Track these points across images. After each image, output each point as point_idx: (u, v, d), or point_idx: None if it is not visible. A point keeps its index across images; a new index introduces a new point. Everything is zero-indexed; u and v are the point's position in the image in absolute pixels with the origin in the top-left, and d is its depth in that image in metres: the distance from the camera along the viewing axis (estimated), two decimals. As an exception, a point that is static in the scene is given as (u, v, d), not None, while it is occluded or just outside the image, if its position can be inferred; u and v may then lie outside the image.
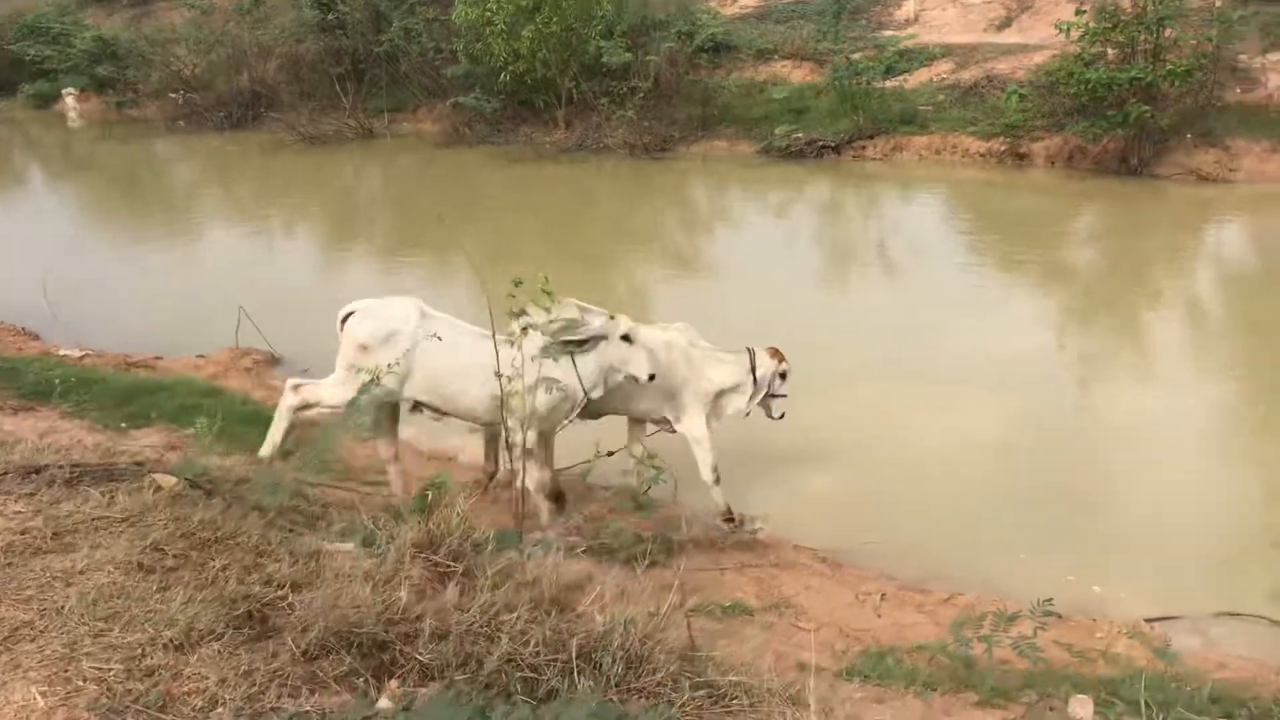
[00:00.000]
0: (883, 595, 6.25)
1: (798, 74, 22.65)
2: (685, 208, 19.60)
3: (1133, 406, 9.27)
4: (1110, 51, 17.97)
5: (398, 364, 6.22)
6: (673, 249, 16.64)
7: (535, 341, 6.28)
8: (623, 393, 6.94)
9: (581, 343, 6.47)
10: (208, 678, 2.90)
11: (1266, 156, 17.45)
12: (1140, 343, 11.43)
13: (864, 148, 20.19)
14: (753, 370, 7.15)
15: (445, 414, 6.85)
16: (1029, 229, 16.04)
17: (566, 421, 6.80)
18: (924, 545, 6.99)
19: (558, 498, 7.10)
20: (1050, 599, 4.58)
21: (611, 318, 6.69)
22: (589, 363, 6.56)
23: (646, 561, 6.00)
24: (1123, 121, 17.29)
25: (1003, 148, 19.05)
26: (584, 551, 6.13)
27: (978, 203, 17.78)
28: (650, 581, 5.88)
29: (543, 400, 6.34)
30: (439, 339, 6.45)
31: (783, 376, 7.23)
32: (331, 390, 6.75)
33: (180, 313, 12.73)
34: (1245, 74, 18.57)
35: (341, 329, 6.75)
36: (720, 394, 7.23)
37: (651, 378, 6.57)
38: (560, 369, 6.45)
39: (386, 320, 6.57)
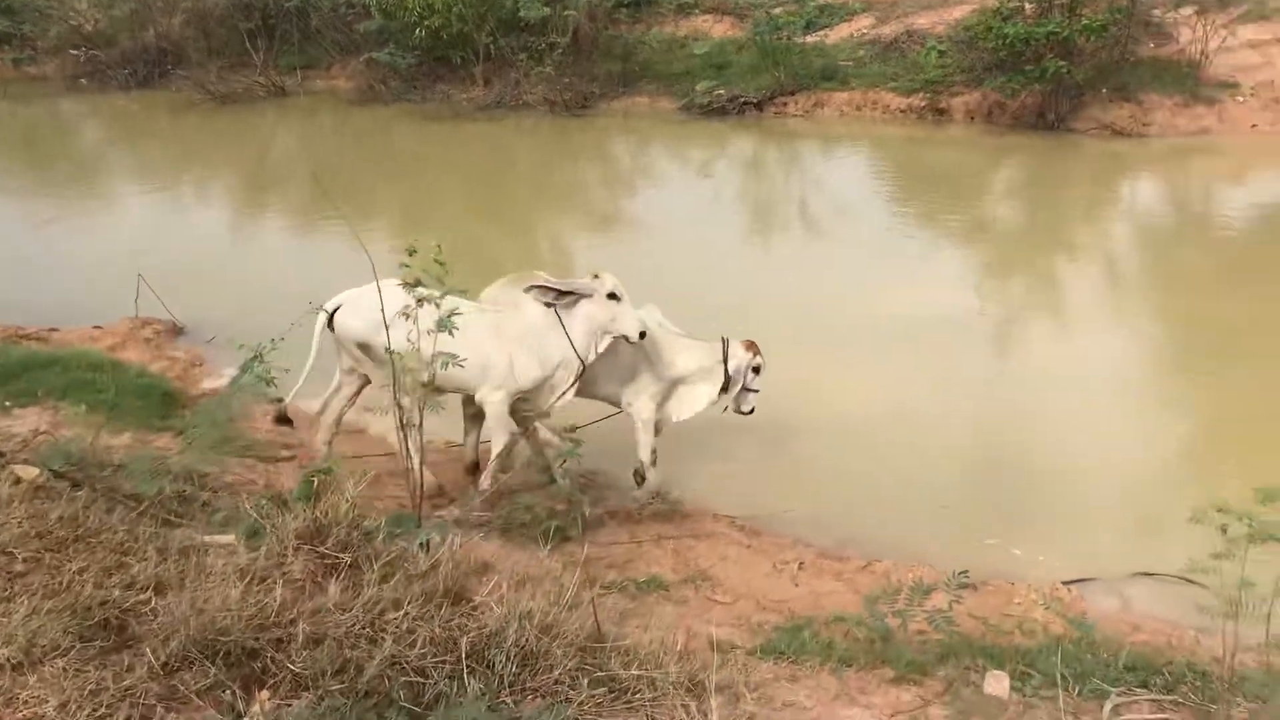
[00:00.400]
0: (800, 564, 6.13)
1: (719, 29, 22.37)
2: (607, 165, 19.30)
3: (1052, 365, 9.26)
4: (1028, 6, 17.98)
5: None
6: (596, 208, 16.35)
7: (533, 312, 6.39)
8: (587, 374, 6.60)
9: (563, 294, 6.33)
10: (47, 701, 2.63)
11: (1178, 111, 17.64)
12: (1059, 301, 11.45)
13: (785, 104, 20.02)
14: (724, 361, 6.88)
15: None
16: (950, 185, 16.02)
17: (564, 392, 6.53)
18: (843, 511, 6.89)
19: (474, 468, 6.87)
20: (965, 571, 4.49)
21: (595, 276, 6.46)
22: (577, 326, 6.37)
23: (555, 539, 5.85)
24: (1040, 76, 17.32)
25: (923, 103, 19.01)
26: (491, 531, 5.94)
27: (899, 159, 17.73)
28: (561, 560, 5.72)
29: (524, 368, 6.31)
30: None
31: (755, 371, 6.88)
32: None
33: (80, 282, 12.16)
34: (1158, 28, 18.74)
35: (330, 328, 6.47)
36: (682, 380, 6.95)
37: (642, 335, 6.40)
38: (554, 336, 6.35)
39: (376, 309, 6.26)
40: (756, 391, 6.92)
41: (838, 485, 7.26)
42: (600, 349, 6.47)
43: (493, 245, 14.61)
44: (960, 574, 4.44)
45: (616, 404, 7.06)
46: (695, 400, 6.97)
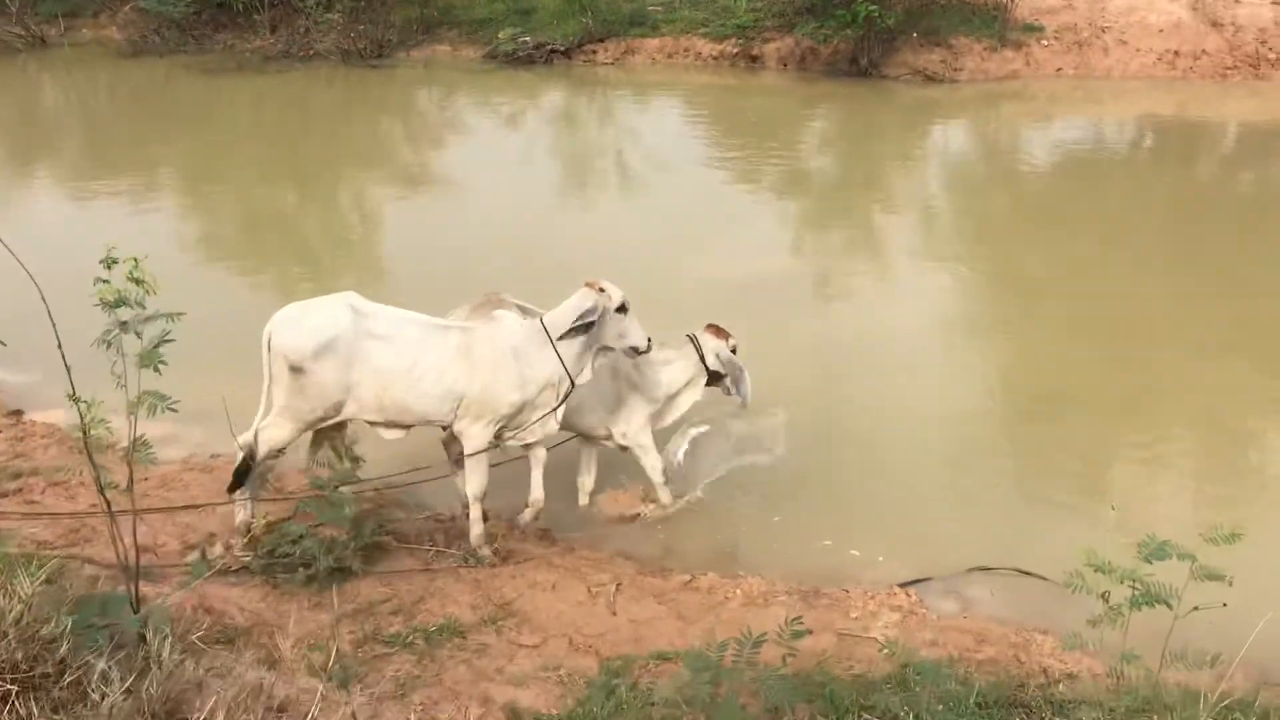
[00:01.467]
0: (618, 585, 5.45)
1: (522, -28, 21.27)
2: (411, 119, 18.09)
3: (875, 329, 8.86)
4: (836, -52, 17.62)
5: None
6: (399, 165, 15.21)
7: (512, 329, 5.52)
8: (571, 403, 5.76)
9: (587, 326, 5.50)
10: None
11: (987, 55, 17.67)
12: (879, 256, 11.13)
13: (595, 51, 19.18)
14: (701, 360, 6.17)
15: (397, 427, 5.56)
16: (766, 135, 15.57)
17: (547, 415, 5.65)
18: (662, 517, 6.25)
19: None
20: (799, 618, 3.89)
21: (589, 285, 5.65)
22: (572, 344, 5.53)
23: (331, 580, 5.04)
24: (851, 21, 16.98)
25: (735, 50, 18.50)
26: (256, 575, 5.06)
27: (714, 108, 17.19)
28: (339, 607, 4.89)
29: (502, 392, 5.43)
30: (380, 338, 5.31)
31: (734, 351, 6.27)
32: (273, 431, 5.39)
33: None
34: (965, -29, 18.71)
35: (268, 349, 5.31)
36: (673, 396, 6.26)
37: (649, 347, 5.76)
38: (539, 352, 5.49)
39: (315, 330, 5.20)
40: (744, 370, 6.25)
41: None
42: (596, 366, 5.73)
43: (294, 212, 13.38)
44: (794, 621, 3.83)
45: (596, 435, 6.22)
46: (680, 409, 6.31)
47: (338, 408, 5.35)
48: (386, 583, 5.27)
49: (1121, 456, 7.05)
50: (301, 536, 5.17)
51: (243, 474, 5.43)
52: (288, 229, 12.66)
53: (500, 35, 19.18)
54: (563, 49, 19.05)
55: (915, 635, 5.00)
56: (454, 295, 9.41)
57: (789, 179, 13.55)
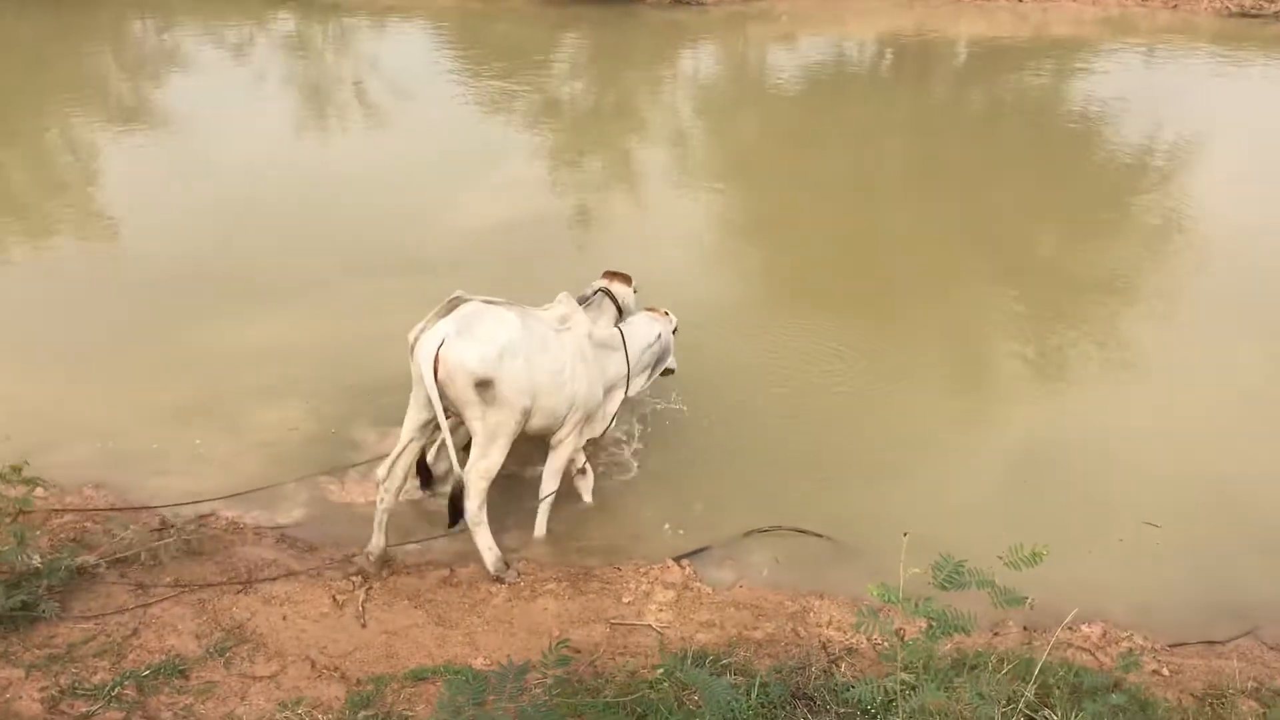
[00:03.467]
0: (368, 589, 4.93)
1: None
2: (122, 50, 16.31)
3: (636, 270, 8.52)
4: None
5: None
6: (114, 100, 13.68)
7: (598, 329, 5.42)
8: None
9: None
10: None
11: (733, -23, 17.55)
12: (636, 188, 10.80)
13: (326, -27, 17.87)
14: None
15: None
16: (516, 62, 14.90)
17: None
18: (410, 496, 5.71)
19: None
20: (564, 641, 3.52)
21: (651, 309, 5.92)
22: (642, 357, 5.64)
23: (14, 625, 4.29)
24: (596, -58, 16.46)
25: (478, -29, 17.65)
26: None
27: (459, 34, 16.35)
28: (29, 659, 4.16)
29: (597, 393, 5.34)
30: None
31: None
32: (485, 463, 4.85)
33: None
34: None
35: (434, 371, 4.62)
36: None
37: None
38: (615, 358, 5.48)
39: (490, 337, 4.68)
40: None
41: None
42: (647, 382, 5.84)
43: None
44: (559, 645, 3.45)
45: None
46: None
47: (527, 414, 4.89)
48: (93, 617, 4.54)
49: (874, 391, 6.98)
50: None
51: (457, 507, 4.88)
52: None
53: (218, -44, 17.54)
54: (289, -30, 17.62)
55: (691, 616, 4.74)
56: (193, 244, 8.66)
57: (542, 109, 13.02)
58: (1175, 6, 17.08)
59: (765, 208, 10.27)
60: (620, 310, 5.81)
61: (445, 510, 4.97)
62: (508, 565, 5.06)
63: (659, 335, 5.76)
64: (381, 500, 5.06)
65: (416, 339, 4.75)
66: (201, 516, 5.51)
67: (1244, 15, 16.60)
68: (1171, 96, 13.17)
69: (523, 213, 9.67)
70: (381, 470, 5.08)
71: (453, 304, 4.88)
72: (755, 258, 9.06)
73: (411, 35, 16.58)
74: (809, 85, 14.22)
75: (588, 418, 5.38)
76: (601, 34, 16.28)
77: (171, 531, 5.21)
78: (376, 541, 5.09)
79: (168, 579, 4.89)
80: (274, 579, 4.96)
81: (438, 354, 4.62)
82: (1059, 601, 4.40)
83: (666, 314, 6.03)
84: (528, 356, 4.80)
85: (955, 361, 7.32)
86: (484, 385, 4.68)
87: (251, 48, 16.22)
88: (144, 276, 8.35)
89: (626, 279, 5.95)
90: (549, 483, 5.44)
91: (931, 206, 9.88)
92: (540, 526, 5.48)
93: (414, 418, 4.94)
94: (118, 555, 4.93)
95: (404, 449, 5.03)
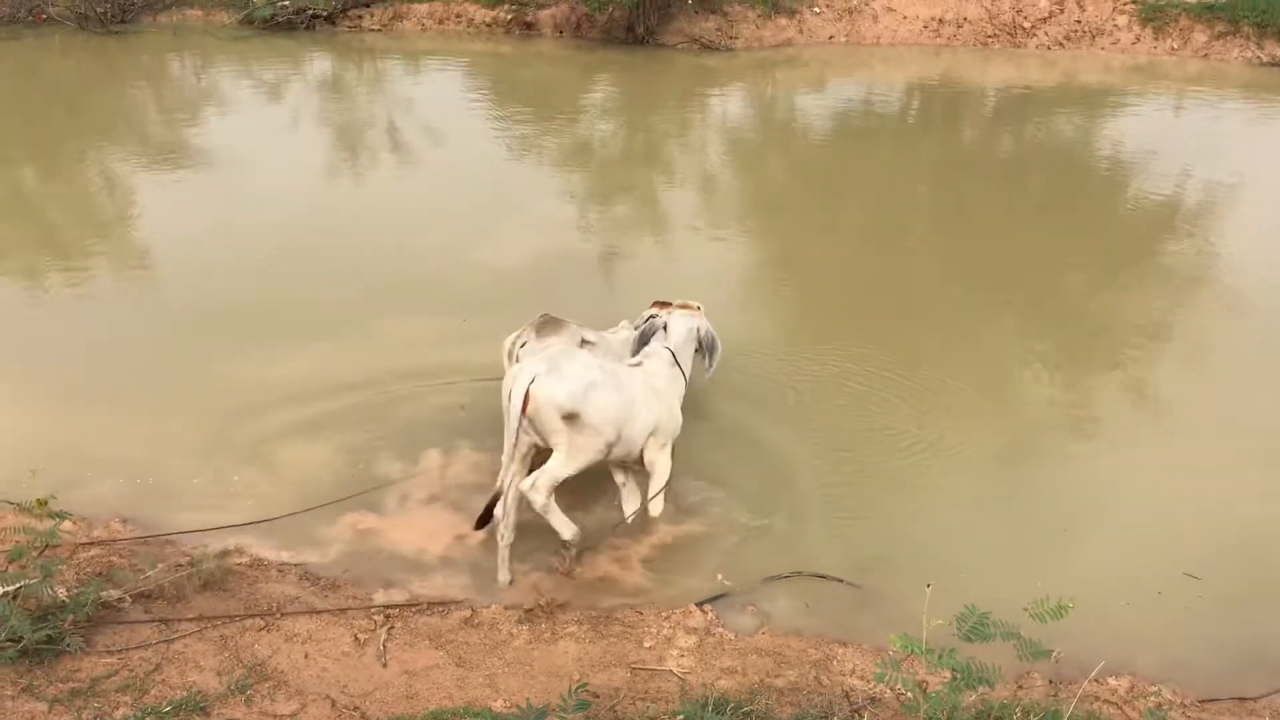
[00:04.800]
0: (390, 628, 4.93)
1: (279, -69, 19.87)
2: (163, 90, 16.60)
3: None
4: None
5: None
6: (152, 140, 13.86)
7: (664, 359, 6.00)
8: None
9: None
10: None
11: (761, 23, 17.71)
12: (663, 231, 10.84)
13: (360, 17, 18.22)
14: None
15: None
16: (546, 106, 15.06)
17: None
18: (434, 543, 5.73)
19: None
20: (583, 684, 3.49)
21: (684, 305, 6.37)
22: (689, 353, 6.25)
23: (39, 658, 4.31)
24: (624, -13, 16.68)
25: (509, 16, 17.92)
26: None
27: (491, 77, 16.55)
28: (53, 693, 4.18)
29: (678, 414, 5.93)
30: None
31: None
32: (559, 470, 5.33)
33: None
34: (737, -62, 18.65)
35: (522, 406, 5.17)
36: None
37: None
38: (678, 384, 6.02)
39: (578, 374, 5.26)
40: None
41: (424, 509, 6.10)
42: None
43: (34, 193, 11.92)
44: (579, 689, 3.43)
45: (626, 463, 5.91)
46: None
47: (610, 446, 5.42)
48: (116, 652, 4.56)
49: (894, 435, 6.96)
50: (5, 614, 4.39)
51: (489, 512, 5.35)
52: (29, 213, 11.30)
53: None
54: (325, 14, 17.98)
55: (713, 662, 4.70)
56: (226, 280, 8.81)
57: (571, 152, 13.12)
58: (1206, 55, 17.06)
59: (791, 250, 10.29)
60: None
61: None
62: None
63: (692, 329, 6.21)
64: (503, 538, 5.37)
65: (515, 374, 5.31)
66: (225, 552, 5.54)
67: (1275, 65, 16.56)
68: (1202, 144, 13.13)
69: (551, 252, 9.73)
70: (499, 511, 5.36)
71: (543, 321, 5.93)
72: (780, 298, 9.06)
73: (444, 77, 16.79)
74: (836, 129, 14.28)
75: (673, 436, 5.86)
76: (630, 77, 16.44)
77: (196, 566, 5.23)
78: (503, 577, 5.38)
79: (191, 614, 4.91)
80: (296, 614, 4.97)
81: (528, 390, 5.15)
82: (1086, 653, 4.35)
83: (698, 307, 6.41)
84: (608, 391, 5.32)
85: (983, 407, 7.27)
86: (570, 417, 5.20)
87: (288, 89, 16.46)
88: (174, 311, 8.48)
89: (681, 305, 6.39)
90: (658, 481, 5.78)
91: (958, 253, 9.89)
92: (657, 505, 5.81)
93: (512, 449, 5.33)
94: (142, 589, 4.99)
95: (510, 480, 5.33)
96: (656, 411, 5.67)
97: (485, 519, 5.37)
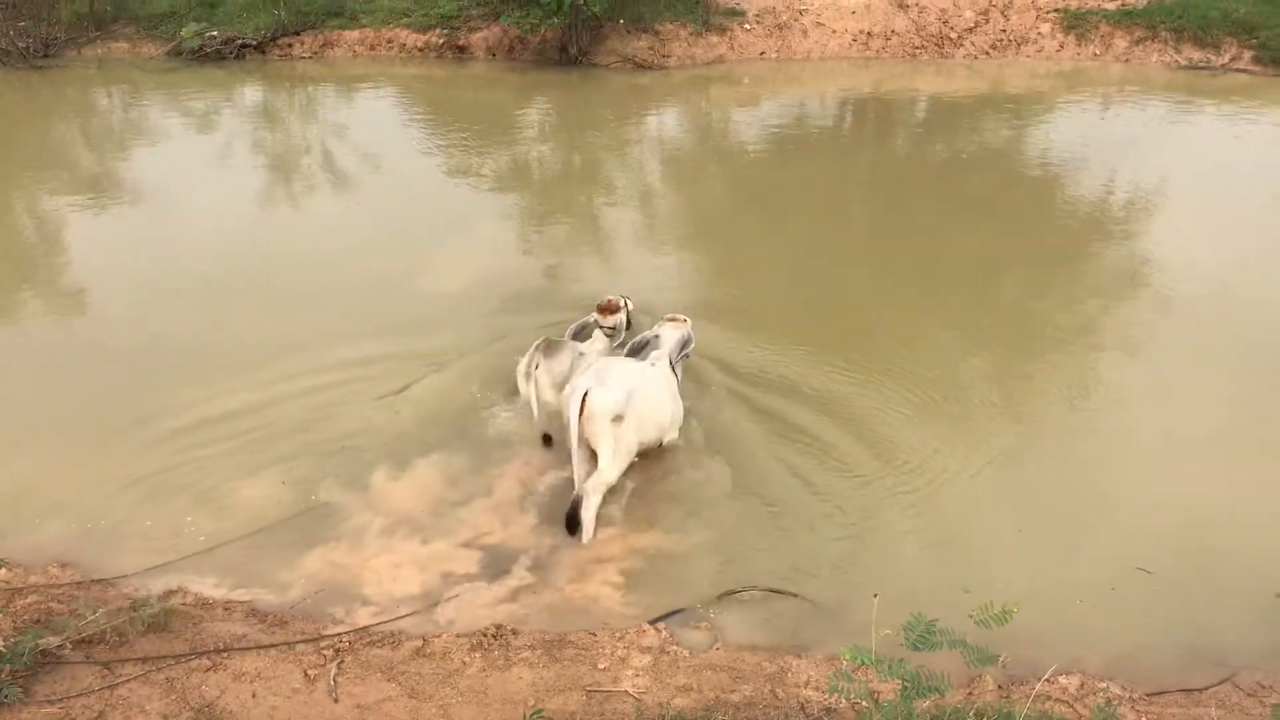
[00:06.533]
0: (340, 662, 4.86)
1: (202, -39, 19.68)
2: (90, 124, 16.29)
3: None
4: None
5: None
6: (80, 172, 13.59)
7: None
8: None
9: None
10: None
11: (692, 41, 17.83)
12: (603, 250, 10.85)
13: (290, 45, 18.06)
14: None
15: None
16: (481, 128, 15.01)
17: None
18: (375, 569, 5.67)
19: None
20: (539, 711, 3.45)
21: (672, 318, 7.33)
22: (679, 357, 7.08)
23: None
24: (556, 9, 16.70)
25: (441, 40, 17.88)
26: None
27: (425, 101, 16.48)
28: (-9, 747, 4.05)
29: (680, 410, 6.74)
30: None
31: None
32: (610, 474, 6.04)
33: None
34: (664, -44, 18.80)
35: (579, 412, 5.94)
36: None
37: None
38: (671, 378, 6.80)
39: (619, 384, 6.10)
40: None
41: (371, 532, 6.03)
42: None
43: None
44: (535, 714, 3.40)
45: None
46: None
47: (641, 439, 6.23)
48: (57, 701, 4.44)
49: (842, 443, 7.01)
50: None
51: (575, 518, 5.89)
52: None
53: (184, 31, 17.71)
54: (254, 43, 17.79)
55: (668, 680, 4.69)
56: (161, 315, 8.66)
57: (510, 174, 13.09)
58: (1127, 60, 17.49)
59: (730, 262, 10.33)
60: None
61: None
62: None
63: (681, 339, 7.12)
64: (586, 535, 5.91)
65: (568, 393, 6.09)
66: (169, 592, 5.43)
67: (1193, 68, 17.02)
68: (1128, 144, 13.44)
69: (493, 273, 9.69)
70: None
71: (546, 344, 6.65)
72: (722, 311, 9.08)
73: (379, 103, 16.68)
74: (772, 144, 14.40)
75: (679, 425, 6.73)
76: (565, 97, 16.47)
77: (138, 608, 5.11)
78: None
79: (134, 657, 4.80)
80: (244, 651, 4.88)
81: (584, 400, 5.91)
82: (1040, 653, 4.40)
83: (685, 320, 7.33)
84: (644, 394, 6.19)
85: (926, 411, 7.35)
86: (617, 420, 5.95)
87: (218, 118, 16.24)
88: (107, 349, 8.32)
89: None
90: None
91: (895, 258, 10.00)
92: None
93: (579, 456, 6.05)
94: (83, 635, 4.86)
95: (580, 481, 6.01)
96: (672, 406, 6.54)
97: (573, 523, 5.89)
